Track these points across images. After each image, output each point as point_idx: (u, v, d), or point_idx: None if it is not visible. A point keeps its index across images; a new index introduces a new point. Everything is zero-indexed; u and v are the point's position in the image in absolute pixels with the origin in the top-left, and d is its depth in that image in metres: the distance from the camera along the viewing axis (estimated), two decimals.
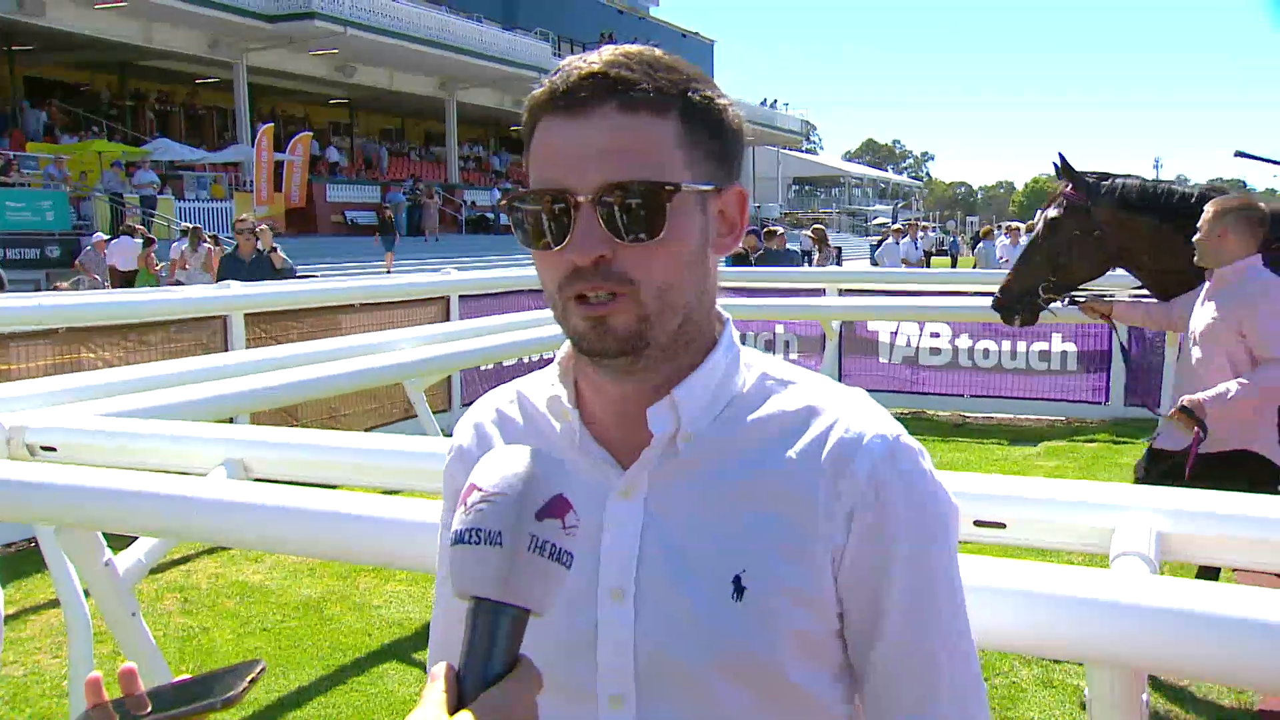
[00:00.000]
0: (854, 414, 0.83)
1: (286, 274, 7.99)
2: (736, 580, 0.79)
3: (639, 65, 0.78)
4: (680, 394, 0.82)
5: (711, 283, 0.84)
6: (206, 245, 12.18)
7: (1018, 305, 4.12)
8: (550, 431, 0.88)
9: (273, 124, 22.61)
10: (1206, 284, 3.26)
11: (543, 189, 0.78)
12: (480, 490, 0.69)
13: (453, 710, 0.64)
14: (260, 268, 7.78)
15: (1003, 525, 1.62)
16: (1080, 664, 3.05)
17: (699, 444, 0.83)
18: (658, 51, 0.81)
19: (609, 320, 0.78)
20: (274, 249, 8.12)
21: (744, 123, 0.84)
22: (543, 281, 0.82)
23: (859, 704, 0.85)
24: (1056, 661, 3.37)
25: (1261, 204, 3.27)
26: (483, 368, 7.51)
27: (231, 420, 3.66)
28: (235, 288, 5.94)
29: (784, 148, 47.02)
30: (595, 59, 0.78)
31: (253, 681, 0.81)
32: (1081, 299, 4.13)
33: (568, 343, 0.86)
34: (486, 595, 0.66)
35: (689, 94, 0.79)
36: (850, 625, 0.82)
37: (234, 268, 7.80)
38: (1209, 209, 3.21)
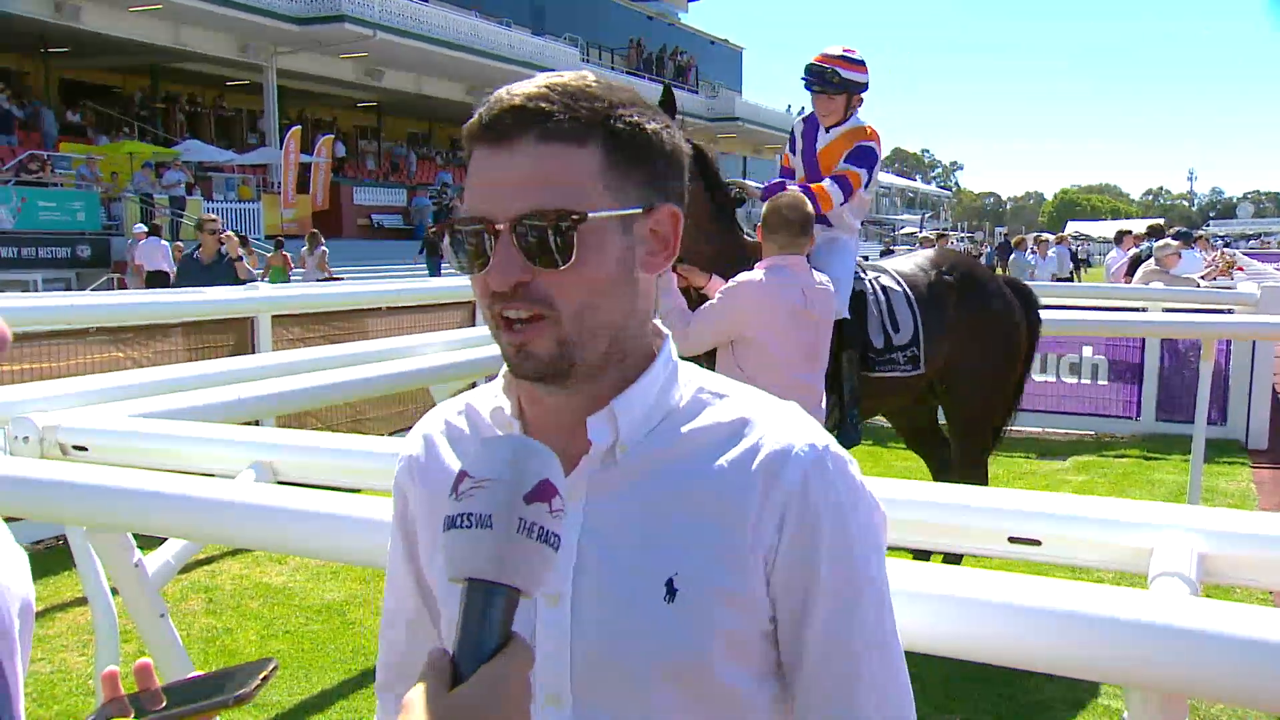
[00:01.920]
0: (784, 425, 0.87)
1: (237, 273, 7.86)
2: (669, 583, 0.83)
3: (560, 96, 0.81)
4: (619, 405, 0.86)
5: (644, 301, 0.88)
6: (323, 248, 13.87)
7: None
8: None
9: (300, 127, 22.84)
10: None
11: (467, 217, 0.83)
12: (471, 478, 0.72)
13: (450, 687, 0.67)
14: (219, 272, 7.56)
15: (1038, 543, 1.59)
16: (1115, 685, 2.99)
17: (636, 454, 0.86)
18: (590, 78, 0.84)
19: (529, 346, 0.83)
20: (239, 258, 8.05)
21: (679, 143, 0.88)
22: (479, 303, 0.87)
23: (790, 706, 0.88)
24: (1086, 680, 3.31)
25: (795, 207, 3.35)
26: None
27: (258, 423, 3.69)
28: (263, 289, 5.99)
29: None
30: (520, 90, 0.82)
31: (265, 680, 0.83)
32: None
33: None
34: (481, 576, 0.70)
35: (610, 122, 0.82)
36: (780, 625, 0.86)
37: (191, 269, 7.61)
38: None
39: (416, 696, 0.67)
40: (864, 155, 4.07)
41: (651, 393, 0.87)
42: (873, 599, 0.86)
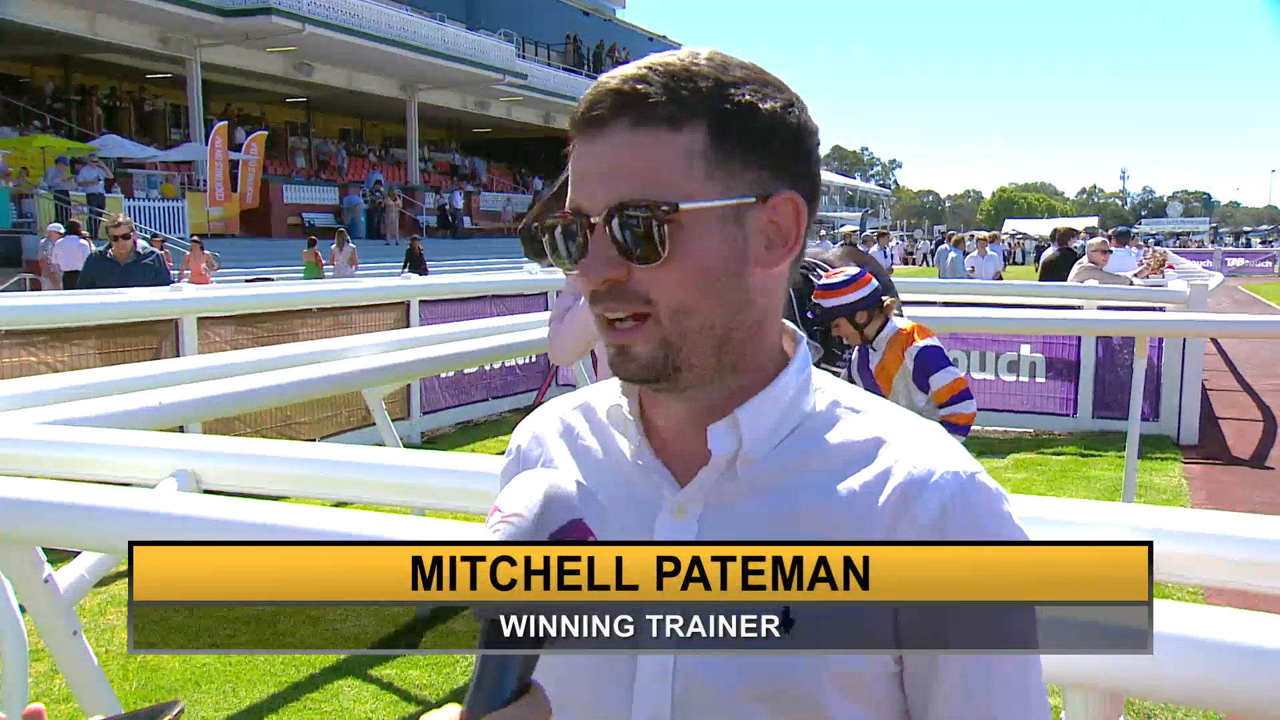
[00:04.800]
0: (924, 448, 0.78)
1: (158, 275, 7.58)
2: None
3: (660, 77, 0.75)
4: (743, 414, 0.79)
5: (762, 299, 0.80)
6: (350, 245, 15.16)
7: None
8: (611, 442, 0.87)
9: (226, 122, 22.17)
10: None
11: (564, 210, 0.78)
12: (500, 511, 0.69)
13: None
14: (136, 273, 7.12)
15: None
16: None
17: (760, 467, 0.79)
18: (703, 56, 0.77)
19: (631, 348, 0.77)
20: (152, 253, 7.75)
21: (807, 121, 0.79)
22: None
23: None
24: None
25: None
26: (443, 375, 7.40)
27: (182, 429, 3.54)
28: (187, 290, 5.78)
29: None
30: (620, 72, 0.76)
31: None
32: None
33: None
34: (496, 617, 0.65)
35: (718, 103, 0.75)
36: (907, 670, 0.78)
37: (105, 270, 7.13)
38: None
39: None
40: (932, 361, 3.56)
41: (782, 401, 0.80)
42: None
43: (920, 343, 3.55)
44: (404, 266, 17.97)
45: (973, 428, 3.77)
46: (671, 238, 0.74)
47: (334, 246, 15.79)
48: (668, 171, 0.74)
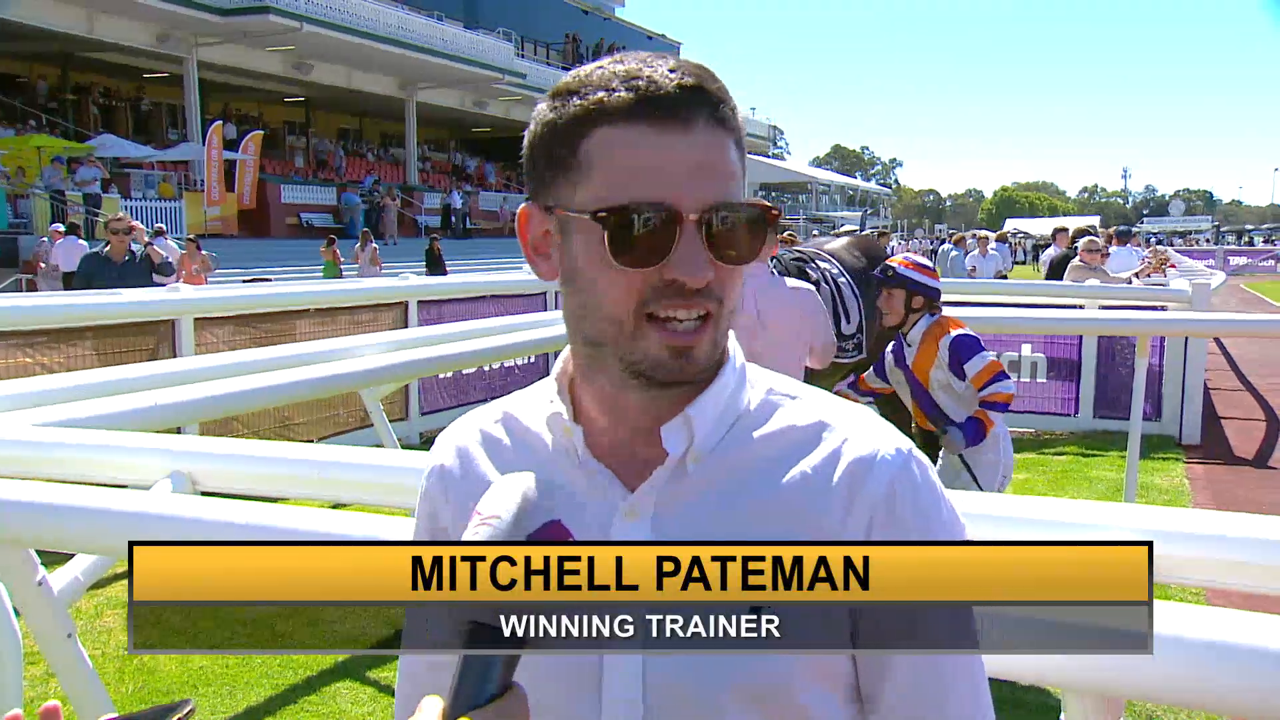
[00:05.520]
0: (866, 430, 0.81)
1: (164, 270, 7.59)
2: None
3: (715, 81, 0.77)
4: (694, 411, 0.80)
5: None
6: (374, 244, 15.39)
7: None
8: (543, 450, 0.85)
9: (224, 122, 22.13)
10: None
11: (644, 202, 0.74)
12: (479, 514, 0.70)
13: None
14: (132, 271, 7.14)
15: None
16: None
17: (707, 463, 0.81)
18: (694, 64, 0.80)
19: (694, 350, 0.77)
20: (149, 243, 7.76)
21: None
22: (609, 301, 0.77)
23: None
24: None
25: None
26: (442, 376, 7.38)
27: (179, 430, 3.53)
28: (185, 291, 5.76)
29: (750, 153, 46.71)
30: (675, 66, 0.76)
31: None
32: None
33: (563, 356, 0.85)
34: (482, 620, 0.65)
35: (737, 110, 0.79)
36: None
37: (100, 269, 7.14)
38: None
39: None
40: (965, 349, 3.58)
41: (724, 396, 0.82)
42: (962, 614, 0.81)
43: (953, 332, 3.64)
44: (428, 268, 17.81)
45: None
46: (766, 241, 0.78)
47: (357, 246, 16.07)
48: (739, 175, 0.78)
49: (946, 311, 3.79)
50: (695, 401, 0.80)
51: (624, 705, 0.78)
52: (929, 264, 3.81)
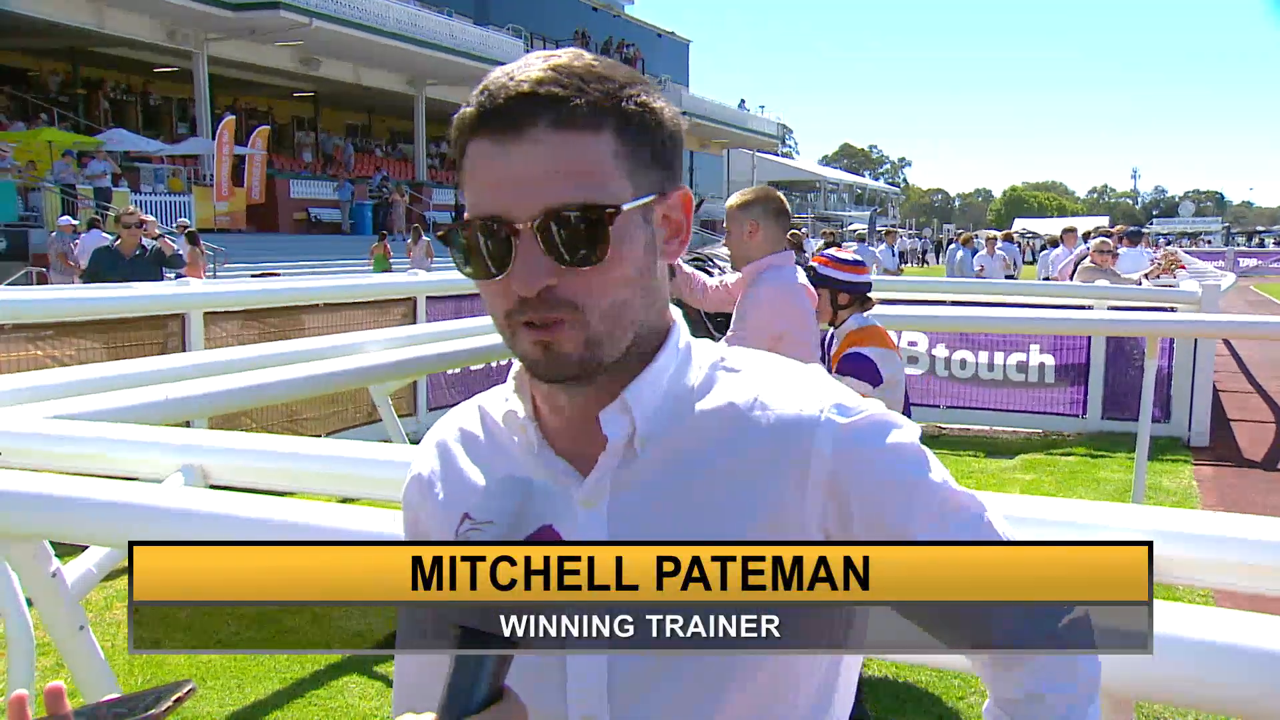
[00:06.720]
0: (804, 389, 0.82)
1: (174, 262, 7.62)
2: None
3: (570, 79, 0.75)
4: (630, 395, 0.80)
5: (662, 289, 0.84)
6: (426, 239, 15.48)
7: None
8: (510, 445, 0.87)
9: (233, 116, 22.18)
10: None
11: (479, 217, 0.75)
12: (471, 519, 0.70)
13: None
14: (141, 267, 7.18)
15: None
16: None
17: (657, 444, 0.81)
18: (588, 58, 0.78)
19: (556, 346, 0.77)
20: (160, 235, 7.79)
21: (680, 119, 0.83)
22: (490, 308, 0.80)
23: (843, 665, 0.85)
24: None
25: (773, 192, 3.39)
26: (450, 372, 7.40)
27: (189, 424, 3.55)
28: (194, 285, 5.80)
29: (759, 151, 46.76)
30: (524, 76, 0.75)
31: (178, 701, 0.81)
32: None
33: None
34: (472, 625, 0.65)
35: (623, 104, 0.77)
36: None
37: (109, 263, 7.19)
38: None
39: None
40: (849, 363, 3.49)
41: (664, 377, 0.82)
42: (970, 503, 0.82)
43: (857, 348, 3.46)
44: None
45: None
46: (611, 239, 0.75)
47: (409, 241, 16.45)
48: (597, 174, 0.75)
49: (946, 312, 3.75)
50: (630, 385, 0.81)
51: (586, 692, 0.79)
52: (852, 259, 3.71)
